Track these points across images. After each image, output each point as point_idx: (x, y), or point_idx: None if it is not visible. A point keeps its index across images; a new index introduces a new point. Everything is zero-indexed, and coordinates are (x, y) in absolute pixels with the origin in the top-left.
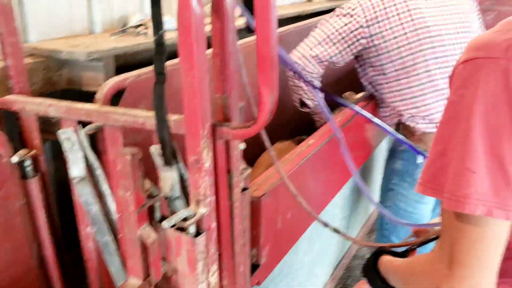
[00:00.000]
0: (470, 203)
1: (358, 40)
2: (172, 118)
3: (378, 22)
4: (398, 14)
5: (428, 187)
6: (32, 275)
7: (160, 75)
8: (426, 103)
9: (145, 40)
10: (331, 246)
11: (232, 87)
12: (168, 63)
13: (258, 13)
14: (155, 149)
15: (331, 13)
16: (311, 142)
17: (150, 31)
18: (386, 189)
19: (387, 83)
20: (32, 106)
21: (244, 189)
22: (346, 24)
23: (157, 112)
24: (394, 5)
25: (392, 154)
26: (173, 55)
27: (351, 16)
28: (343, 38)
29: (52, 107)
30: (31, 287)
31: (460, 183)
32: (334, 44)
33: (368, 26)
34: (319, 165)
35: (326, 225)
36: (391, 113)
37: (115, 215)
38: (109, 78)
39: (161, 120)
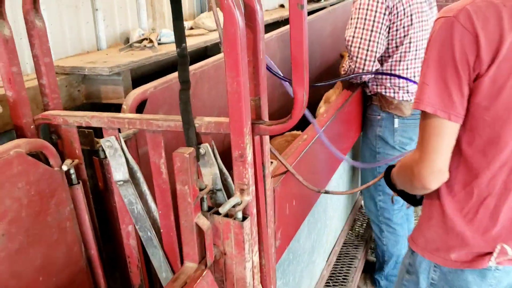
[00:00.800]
0: (423, 104)
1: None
2: (214, 119)
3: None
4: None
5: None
6: (83, 274)
7: (185, 83)
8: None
9: (154, 53)
10: (324, 235)
11: (263, 90)
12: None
13: (293, 23)
14: (202, 149)
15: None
16: (305, 137)
17: (155, 44)
18: (374, 152)
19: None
20: (74, 119)
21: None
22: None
23: (183, 116)
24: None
25: (371, 123)
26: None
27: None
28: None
29: (95, 118)
30: (82, 286)
31: (420, 92)
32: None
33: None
34: (315, 155)
35: (327, 192)
36: (373, 85)
37: (155, 213)
38: (127, 90)
39: (188, 123)
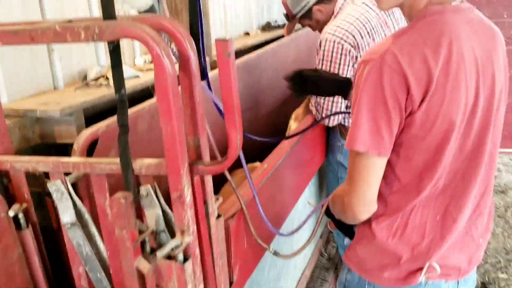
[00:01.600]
0: (356, 143)
1: None
2: (153, 161)
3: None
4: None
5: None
6: None
7: (123, 127)
8: None
9: (108, 91)
10: (292, 261)
11: (202, 130)
12: (133, 109)
13: (221, 70)
14: (143, 191)
15: None
16: (265, 166)
17: (111, 81)
18: (337, 177)
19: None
20: (21, 164)
21: (218, 216)
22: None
23: (122, 161)
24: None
25: (333, 149)
26: (134, 100)
27: None
28: None
29: (41, 163)
30: None
31: (352, 132)
32: None
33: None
34: (275, 185)
35: (275, 253)
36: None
37: (104, 254)
38: (80, 129)
39: (126, 167)
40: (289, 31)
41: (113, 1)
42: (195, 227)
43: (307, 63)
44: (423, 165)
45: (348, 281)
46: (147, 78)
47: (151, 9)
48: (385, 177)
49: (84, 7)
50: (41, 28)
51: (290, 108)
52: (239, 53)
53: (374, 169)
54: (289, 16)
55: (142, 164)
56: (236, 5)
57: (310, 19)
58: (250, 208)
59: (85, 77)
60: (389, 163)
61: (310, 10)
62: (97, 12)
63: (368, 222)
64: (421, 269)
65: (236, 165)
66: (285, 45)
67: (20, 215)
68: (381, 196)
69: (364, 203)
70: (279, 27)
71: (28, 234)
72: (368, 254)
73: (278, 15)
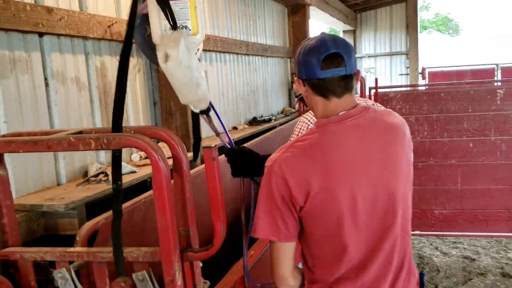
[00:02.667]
0: (257, 233)
1: None
2: (149, 250)
3: None
4: None
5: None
6: None
7: (118, 213)
8: None
9: (107, 186)
10: None
11: (192, 221)
12: (130, 202)
13: (208, 172)
14: (135, 276)
15: None
16: (252, 253)
17: (110, 177)
18: None
19: None
20: (30, 254)
21: None
22: None
23: (113, 242)
24: None
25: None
26: (131, 193)
27: None
28: None
29: (48, 253)
30: None
31: (255, 223)
32: None
33: None
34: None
35: None
36: None
37: None
38: (82, 221)
39: (118, 249)
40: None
41: (122, 118)
42: None
43: None
44: (331, 248)
45: None
46: (143, 173)
47: (207, 110)
48: (310, 254)
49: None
50: (57, 139)
51: None
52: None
53: (280, 251)
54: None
55: (140, 252)
56: (225, 102)
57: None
58: None
59: (85, 174)
60: (307, 244)
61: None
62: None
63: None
64: None
65: None
66: (271, 138)
67: None
68: (310, 268)
69: (278, 277)
70: (264, 121)
71: None
72: None
73: (263, 111)
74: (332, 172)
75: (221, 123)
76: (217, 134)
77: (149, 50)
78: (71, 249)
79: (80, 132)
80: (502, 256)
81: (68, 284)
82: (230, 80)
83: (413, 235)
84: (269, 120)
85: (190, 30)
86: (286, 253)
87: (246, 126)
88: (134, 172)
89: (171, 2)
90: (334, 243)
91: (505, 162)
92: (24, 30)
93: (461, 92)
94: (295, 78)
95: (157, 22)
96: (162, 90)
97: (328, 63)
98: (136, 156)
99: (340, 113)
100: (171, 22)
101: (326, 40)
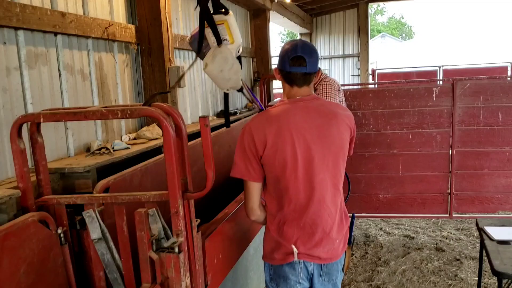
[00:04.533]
0: (234, 173)
1: None
2: (157, 193)
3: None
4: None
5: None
6: None
7: None
8: None
9: (110, 157)
10: (249, 284)
11: (188, 172)
12: (128, 170)
13: (202, 135)
14: (150, 212)
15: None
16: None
17: (111, 150)
18: None
19: None
20: (65, 199)
21: (198, 231)
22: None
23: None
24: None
25: None
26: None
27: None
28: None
29: (79, 198)
30: None
31: (233, 166)
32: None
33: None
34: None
35: None
36: None
37: (118, 261)
38: (94, 182)
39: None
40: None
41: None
42: (185, 232)
43: None
44: (280, 188)
45: (264, 271)
46: (134, 149)
47: (241, 89)
48: (269, 193)
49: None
50: (92, 110)
51: None
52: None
53: (251, 188)
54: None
55: (150, 194)
56: (196, 96)
57: None
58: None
59: (88, 149)
60: (266, 186)
61: None
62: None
63: (267, 222)
64: (293, 253)
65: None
66: (237, 128)
67: (62, 235)
68: (268, 204)
69: (248, 209)
70: (230, 114)
71: (67, 248)
72: (266, 244)
73: (231, 104)
74: (282, 133)
75: (253, 95)
76: (253, 101)
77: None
78: (98, 194)
79: (106, 107)
80: (437, 234)
81: (94, 221)
82: (200, 76)
83: (360, 217)
84: (235, 113)
85: (228, 41)
86: (255, 191)
87: (215, 117)
88: (128, 148)
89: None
90: (280, 185)
91: (439, 151)
92: (45, 30)
93: (402, 90)
94: (274, 68)
95: (210, 38)
96: (146, 82)
97: (294, 62)
98: (126, 137)
99: (297, 97)
100: (217, 38)
101: (297, 46)
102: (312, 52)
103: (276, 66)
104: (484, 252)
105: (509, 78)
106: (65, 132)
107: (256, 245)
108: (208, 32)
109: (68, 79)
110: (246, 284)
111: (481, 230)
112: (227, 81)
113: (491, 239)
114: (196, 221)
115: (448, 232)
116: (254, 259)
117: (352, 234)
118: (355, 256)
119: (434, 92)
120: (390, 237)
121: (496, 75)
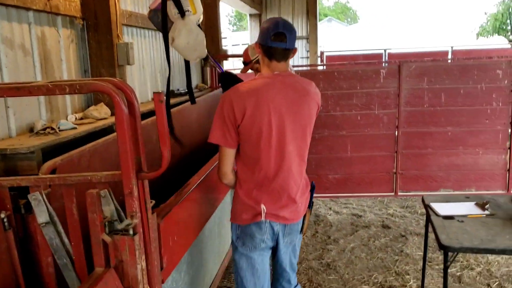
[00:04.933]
0: (211, 139)
1: None
2: (110, 173)
3: None
4: None
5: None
6: None
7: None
8: None
9: (55, 137)
10: (201, 273)
11: (142, 151)
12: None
13: (157, 112)
14: (102, 193)
15: None
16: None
17: (57, 130)
18: None
19: None
20: (8, 182)
21: (152, 212)
22: None
23: None
24: None
25: None
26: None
27: None
28: None
29: (24, 180)
30: None
31: (211, 133)
32: None
33: None
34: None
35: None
36: None
37: (68, 246)
38: (39, 164)
39: None
40: (245, 72)
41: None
42: (139, 214)
43: (207, 123)
44: (253, 156)
45: (231, 231)
46: (81, 129)
47: (207, 57)
48: (241, 160)
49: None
50: (37, 85)
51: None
52: (149, 114)
53: (225, 154)
54: (247, 62)
55: (102, 175)
56: (145, 74)
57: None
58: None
59: (31, 129)
60: (240, 153)
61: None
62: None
63: (236, 186)
64: (261, 214)
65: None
66: (188, 108)
67: (5, 220)
68: (240, 171)
69: (221, 173)
70: (181, 94)
71: (11, 234)
72: (235, 206)
73: (179, 85)
74: (260, 105)
75: (215, 62)
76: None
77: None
78: (44, 176)
79: (52, 82)
80: (383, 212)
81: (41, 205)
82: (149, 54)
83: None
84: (185, 93)
85: (191, 11)
86: (228, 156)
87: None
88: (75, 128)
89: None
90: (253, 153)
91: (386, 132)
92: None
93: (351, 72)
94: (255, 42)
95: (171, 10)
96: (93, 59)
97: (276, 37)
98: (72, 117)
99: (275, 73)
100: (180, 10)
101: (279, 23)
102: (292, 30)
103: (257, 41)
104: (430, 227)
105: (449, 61)
106: (5, 111)
107: (211, 227)
108: (170, 3)
109: (7, 53)
110: (201, 266)
111: (427, 207)
112: (194, 52)
113: (437, 214)
114: (151, 202)
115: (393, 210)
116: (210, 241)
117: (312, 199)
118: (305, 236)
119: (382, 74)
120: (339, 216)
121: (439, 58)
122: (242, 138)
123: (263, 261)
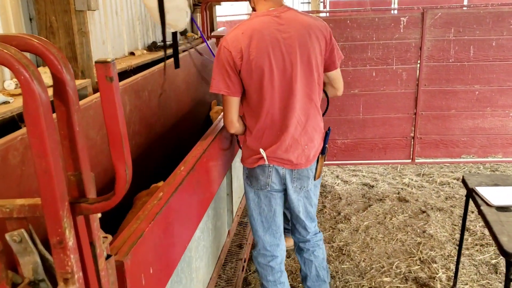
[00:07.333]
0: (213, 88)
1: None
2: (27, 202)
3: None
4: None
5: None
6: None
7: None
8: None
9: None
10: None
11: (83, 163)
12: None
13: (103, 97)
14: (9, 236)
15: None
16: (161, 195)
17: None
18: None
19: None
20: None
21: (108, 257)
22: None
23: None
24: None
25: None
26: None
27: None
28: None
29: None
30: None
31: (212, 82)
32: None
33: None
34: (175, 210)
35: None
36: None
37: None
38: None
39: None
40: None
41: None
42: (80, 273)
43: (196, 83)
44: (256, 100)
45: (242, 171)
46: (19, 104)
47: (185, 31)
48: (247, 105)
49: None
50: None
51: (190, 122)
52: (125, 74)
53: (229, 103)
54: None
55: (14, 205)
56: (120, 23)
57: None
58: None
59: None
60: (244, 99)
61: None
62: None
63: (245, 135)
64: (263, 158)
65: (140, 187)
66: (172, 66)
67: None
68: (247, 117)
69: (227, 122)
70: (161, 46)
71: None
72: (244, 151)
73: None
74: (257, 45)
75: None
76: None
77: None
78: None
79: None
80: (397, 181)
81: None
82: None
83: None
84: (170, 46)
85: None
86: (233, 104)
87: (145, 51)
88: (7, 102)
89: None
90: (257, 97)
91: (404, 91)
92: None
93: (366, 20)
94: None
95: None
96: (40, 3)
97: None
98: (10, 83)
99: (270, 9)
100: None
101: None
102: None
103: None
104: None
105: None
106: None
107: (194, 246)
108: None
109: None
110: (191, 280)
111: (472, 191)
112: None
113: (488, 204)
114: (105, 237)
115: (409, 178)
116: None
117: (326, 145)
118: None
119: (402, 23)
120: (348, 186)
121: (470, 4)
122: (246, 83)
123: (270, 202)
